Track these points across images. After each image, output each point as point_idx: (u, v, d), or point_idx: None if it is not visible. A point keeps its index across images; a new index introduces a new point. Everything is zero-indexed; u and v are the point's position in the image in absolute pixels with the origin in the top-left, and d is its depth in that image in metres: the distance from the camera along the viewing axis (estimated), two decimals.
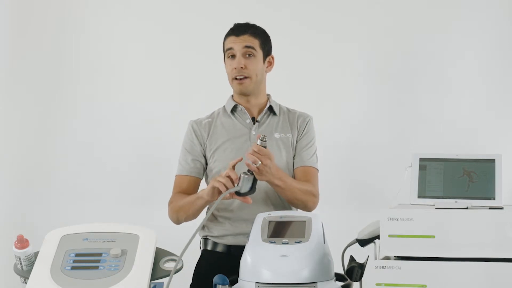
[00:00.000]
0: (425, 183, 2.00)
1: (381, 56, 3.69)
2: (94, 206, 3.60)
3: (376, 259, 1.93)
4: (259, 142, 2.14)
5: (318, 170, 2.49)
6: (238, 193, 2.14)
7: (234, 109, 2.52)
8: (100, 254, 1.83)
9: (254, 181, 2.16)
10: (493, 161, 1.98)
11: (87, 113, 3.74)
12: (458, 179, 1.99)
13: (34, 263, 1.83)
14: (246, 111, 2.51)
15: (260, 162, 2.13)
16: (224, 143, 2.46)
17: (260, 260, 1.82)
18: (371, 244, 2.09)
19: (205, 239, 2.48)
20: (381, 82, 3.70)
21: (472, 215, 1.83)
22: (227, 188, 2.11)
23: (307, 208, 2.38)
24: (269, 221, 1.95)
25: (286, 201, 2.41)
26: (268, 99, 2.55)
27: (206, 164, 2.50)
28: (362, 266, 2.03)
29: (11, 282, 2.39)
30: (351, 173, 3.67)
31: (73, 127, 3.74)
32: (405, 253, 1.85)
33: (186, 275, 2.31)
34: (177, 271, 1.83)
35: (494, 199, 1.94)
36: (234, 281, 1.88)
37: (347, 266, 2.06)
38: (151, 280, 1.81)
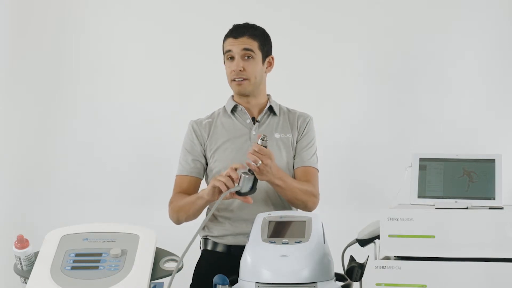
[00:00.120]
0: (425, 183, 2.00)
1: (381, 56, 3.69)
2: (94, 206, 3.60)
3: (376, 259, 1.93)
4: (259, 141, 2.14)
5: (318, 170, 2.49)
6: (238, 193, 2.15)
7: (234, 109, 2.52)
8: (100, 254, 1.83)
9: (255, 181, 2.16)
10: (493, 161, 1.98)
11: (87, 113, 3.74)
12: (458, 179, 1.99)
13: (34, 263, 1.83)
14: (246, 111, 2.51)
15: (260, 162, 2.13)
16: (224, 143, 2.46)
17: (260, 260, 1.82)
18: (371, 244, 2.09)
19: (205, 239, 2.48)
20: (381, 82, 3.70)
21: (472, 215, 1.83)
22: (227, 188, 2.11)
23: (307, 208, 2.38)
24: (269, 221, 1.95)
25: (286, 201, 2.41)
26: (268, 99, 2.55)
27: (207, 164, 2.50)
28: (362, 266, 2.03)
29: (11, 282, 2.39)
30: (351, 173, 3.67)
31: (73, 127, 3.74)
32: (405, 253, 1.85)
33: (186, 275, 2.32)
34: (177, 271, 1.83)
35: (494, 199, 1.94)
36: (234, 281, 1.88)
37: (347, 266, 2.06)
38: (151, 280, 1.81)
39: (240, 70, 2.43)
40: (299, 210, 2.43)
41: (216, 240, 2.44)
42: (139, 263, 1.81)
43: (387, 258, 1.88)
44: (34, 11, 3.77)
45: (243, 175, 2.13)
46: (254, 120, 2.50)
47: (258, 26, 2.51)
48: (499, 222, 1.80)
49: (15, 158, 3.73)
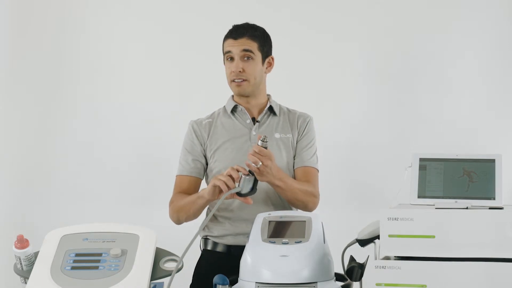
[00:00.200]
0: (425, 183, 2.00)
1: (381, 56, 3.69)
2: (94, 206, 3.60)
3: (376, 259, 1.93)
4: (260, 143, 2.14)
5: (318, 171, 2.49)
6: (239, 194, 2.15)
7: (234, 110, 2.52)
8: (100, 254, 1.83)
9: (255, 181, 2.16)
10: (493, 161, 1.98)
11: (87, 113, 3.75)
12: (458, 179, 1.99)
13: (34, 263, 1.83)
14: (246, 112, 2.51)
15: (261, 163, 2.13)
16: (224, 143, 2.46)
17: (260, 260, 1.82)
18: (371, 244, 2.09)
19: (205, 239, 2.48)
20: (381, 82, 3.70)
21: (472, 215, 1.83)
22: (228, 187, 2.12)
23: (308, 208, 2.38)
24: (269, 221, 1.95)
25: (286, 201, 2.41)
26: (268, 99, 2.55)
27: (207, 164, 2.50)
28: (362, 266, 2.03)
29: (11, 282, 2.39)
30: (351, 173, 3.67)
31: (73, 127, 3.74)
32: (405, 253, 1.85)
33: (186, 275, 2.32)
34: (177, 271, 1.83)
35: (494, 199, 1.94)
36: (234, 281, 1.88)
37: (347, 266, 2.06)
38: (151, 280, 1.81)
39: (240, 71, 2.43)
40: (299, 210, 2.42)
41: (216, 240, 2.44)
42: (139, 263, 1.81)
43: (387, 258, 1.88)
44: (34, 11, 3.77)
45: (243, 176, 2.13)
46: (254, 120, 2.50)
47: (258, 26, 2.51)
48: (499, 222, 1.80)
49: (15, 158, 3.73)
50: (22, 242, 1.83)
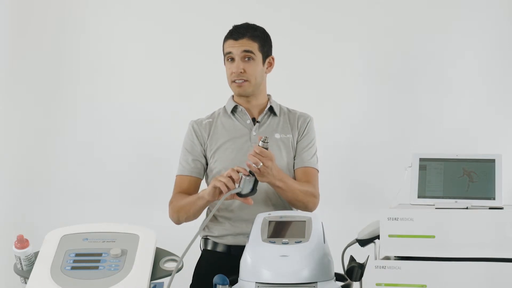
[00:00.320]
0: (425, 183, 2.00)
1: (381, 56, 3.69)
2: (94, 206, 3.60)
3: (376, 259, 1.93)
4: (260, 143, 2.15)
5: (318, 171, 2.49)
6: (239, 194, 2.15)
7: (234, 110, 2.52)
8: (100, 254, 1.83)
9: (255, 182, 2.16)
10: (493, 161, 1.98)
11: (87, 113, 3.74)
12: (458, 179, 1.99)
13: (34, 263, 1.83)
14: (246, 112, 2.51)
15: (261, 164, 2.13)
16: (224, 143, 2.46)
17: (260, 260, 1.82)
18: (371, 244, 2.09)
19: (205, 239, 2.48)
20: (381, 82, 3.70)
21: (472, 215, 1.83)
22: (228, 188, 2.12)
23: (308, 209, 2.38)
24: (269, 221, 1.95)
25: (286, 202, 2.41)
26: (268, 99, 2.55)
27: (207, 164, 2.50)
28: (362, 266, 2.03)
29: (11, 282, 2.39)
30: (351, 173, 3.67)
31: (73, 127, 3.74)
32: (405, 253, 1.85)
33: (186, 275, 2.32)
34: (177, 271, 1.83)
35: (494, 199, 1.94)
36: (234, 281, 1.88)
37: (347, 266, 2.06)
38: (151, 280, 1.81)
39: (241, 72, 2.43)
40: (299, 210, 2.42)
41: (216, 240, 2.44)
42: (139, 263, 1.81)
43: (387, 258, 1.88)
44: (34, 11, 3.76)
45: (243, 176, 2.13)
46: (254, 120, 2.50)
47: (258, 27, 2.50)
48: (499, 222, 1.80)
49: (15, 158, 3.73)
50: (22, 242, 1.83)
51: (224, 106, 2.55)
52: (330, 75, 3.68)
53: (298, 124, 2.51)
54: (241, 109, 2.51)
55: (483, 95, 3.63)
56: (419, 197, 1.99)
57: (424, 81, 3.66)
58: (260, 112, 2.52)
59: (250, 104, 2.52)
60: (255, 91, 2.48)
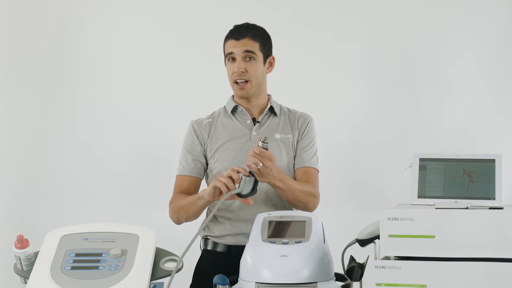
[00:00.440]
0: (425, 183, 2.00)
1: (381, 56, 3.69)
2: (94, 206, 3.60)
3: (376, 259, 1.93)
4: (260, 144, 2.14)
5: (318, 171, 2.49)
6: (239, 195, 2.15)
7: (234, 110, 2.52)
8: (100, 254, 1.83)
9: (255, 182, 2.16)
10: (493, 161, 1.98)
11: (87, 113, 3.74)
12: (458, 179, 1.99)
13: (34, 263, 1.83)
14: (246, 112, 2.51)
15: (261, 164, 2.13)
16: (224, 144, 2.46)
17: (260, 260, 1.82)
18: (371, 244, 2.09)
19: (205, 239, 2.48)
20: (381, 82, 3.70)
21: (472, 215, 1.83)
22: (228, 189, 2.11)
23: (308, 209, 2.38)
24: (269, 221, 1.95)
25: (286, 202, 2.41)
26: (269, 99, 2.55)
27: (207, 164, 2.50)
28: (362, 266, 2.03)
29: (11, 282, 2.39)
30: (351, 173, 3.67)
31: (73, 127, 3.74)
32: (405, 253, 1.84)
33: (186, 275, 2.32)
34: (177, 271, 1.83)
35: (494, 199, 1.94)
36: (234, 281, 1.88)
37: (347, 266, 2.06)
38: (151, 280, 1.81)
39: (242, 72, 2.43)
40: (299, 210, 2.42)
41: (216, 240, 2.44)
42: (139, 263, 1.81)
43: (387, 258, 1.88)
44: (34, 11, 3.76)
45: (243, 177, 2.13)
46: (254, 120, 2.50)
47: (259, 26, 2.51)
48: (499, 222, 1.80)
49: (15, 158, 3.73)
50: (22, 242, 1.83)
51: (224, 106, 2.55)
52: (330, 75, 3.68)
53: (298, 124, 2.51)
54: (241, 109, 2.51)
55: (483, 95, 3.63)
56: (419, 197, 1.99)
57: (424, 81, 3.66)
58: (261, 112, 2.52)
59: (251, 104, 2.52)
60: (256, 91, 2.48)
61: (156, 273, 1.84)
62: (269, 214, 2.00)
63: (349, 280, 2.02)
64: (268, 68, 2.52)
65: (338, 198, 3.56)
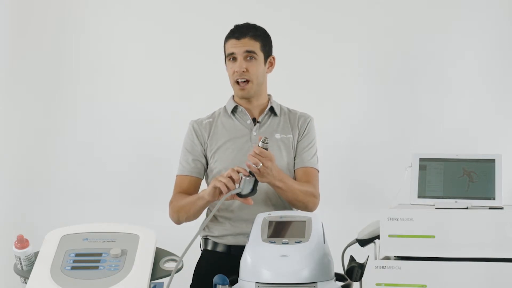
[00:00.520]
0: (425, 183, 2.00)
1: (381, 56, 3.69)
2: (94, 206, 3.60)
3: (376, 259, 1.93)
4: (260, 144, 2.14)
5: (318, 171, 2.49)
6: (239, 195, 2.15)
7: (234, 110, 2.52)
8: (100, 254, 1.83)
9: (255, 182, 2.16)
10: (493, 161, 1.98)
11: (87, 113, 3.74)
12: (458, 179, 1.99)
13: (34, 263, 1.83)
14: (246, 112, 2.51)
15: (261, 164, 2.13)
16: (225, 144, 2.46)
17: (260, 260, 1.82)
18: (371, 244, 2.09)
19: (205, 239, 2.48)
20: (381, 82, 3.70)
21: (472, 215, 1.83)
22: (228, 189, 2.11)
23: (308, 209, 2.38)
24: (269, 221, 1.95)
25: (286, 202, 2.41)
26: (269, 99, 2.55)
27: (207, 164, 2.50)
28: (362, 266, 2.03)
29: (11, 282, 2.39)
30: (351, 173, 3.67)
31: (73, 127, 3.74)
32: (405, 253, 1.84)
33: (186, 275, 2.32)
34: (177, 271, 1.83)
35: (494, 199, 1.94)
36: (234, 281, 1.88)
37: (347, 266, 2.06)
38: (151, 280, 1.81)
39: (243, 71, 2.43)
40: (299, 210, 2.42)
41: (216, 240, 2.44)
42: (139, 263, 1.81)
43: (387, 258, 1.88)
44: (34, 11, 3.76)
45: (243, 177, 2.13)
46: (254, 120, 2.50)
47: (259, 26, 2.51)
48: (499, 222, 1.80)
49: (15, 158, 3.73)
50: (22, 242, 1.83)
51: (225, 106, 2.55)
52: (330, 75, 3.68)
53: (299, 124, 2.51)
54: (242, 109, 2.51)
55: (483, 95, 3.63)
56: (419, 197, 1.99)
57: (424, 81, 3.66)
58: (261, 112, 2.52)
59: (251, 104, 2.52)
60: (257, 91, 2.49)
61: (156, 273, 1.84)
62: (269, 214, 2.00)
63: (349, 280, 2.02)
64: (268, 68, 2.52)
65: (338, 198, 3.56)
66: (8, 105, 3.75)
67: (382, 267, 1.83)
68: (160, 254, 1.89)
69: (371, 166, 3.63)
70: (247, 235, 1.94)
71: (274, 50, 2.55)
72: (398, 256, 1.86)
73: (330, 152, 3.34)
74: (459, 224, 1.82)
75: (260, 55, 2.46)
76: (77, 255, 1.83)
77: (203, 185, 2.48)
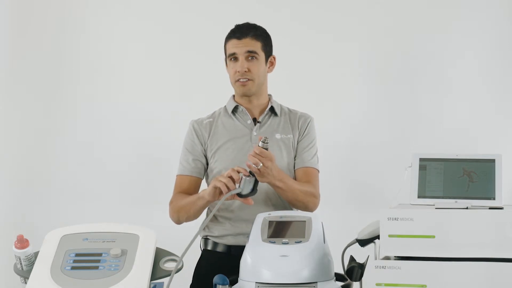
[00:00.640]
0: (425, 183, 2.00)
1: (381, 56, 3.69)
2: (94, 206, 3.60)
3: (376, 259, 1.93)
4: (260, 144, 2.14)
5: (318, 171, 2.49)
6: (239, 195, 2.15)
7: (235, 110, 2.52)
8: (100, 254, 1.83)
9: (256, 182, 2.16)
10: (493, 161, 1.98)
11: (87, 113, 3.74)
12: (458, 179, 1.99)
13: (34, 263, 1.83)
14: (247, 112, 2.51)
15: (261, 164, 2.13)
16: (225, 143, 2.46)
17: (260, 260, 1.82)
18: (371, 244, 2.09)
19: (205, 239, 2.48)
20: (381, 82, 3.70)
21: (472, 215, 1.83)
22: (228, 189, 2.11)
23: (308, 209, 2.38)
24: (269, 221, 1.95)
25: (286, 202, 2.41)
26: (269, 99, 2.55)
27: (207, 164, 2.50)
28: (362, 266, 2.03)
29: (11, 282, 2.39)
30: (351, 173, 3.67)
31: (73, 127, 3.74)
32: (405, 253, 1.85)
33: (186, 275, 2.32)
34: (177, 271, 1.83)
35: (494, 199, 1.94)
36: (234, 281, 1.88)
37: (347, 266, 2.06)
38: (151, 280, 1.81)
39: (245, 71, 2.43)
40: (299, 210, 2.42)
41: (216, 240, 2.44)
42: (139, 263, 1.81)
43: (387, 258, 1.88)
44: (34, 11, 3.76)
45: (244, 177, 2.13)
46: (255, 120, 2.50)
47: (260, 26, 2.51)
48: (499, 222, 1.80)
49: (15, 158, 3.73)
50: (22, 242, 1.83)
51: (225, 106, 2.55)
52: (330, 75, 3.68)
53: (299, 124, 2.51)
54: (242, 109, 2.51)
55: (483, 95, 3.62)
56: (419, 197, 1.99)
57: (424, 81, 3.66)
58: (261, 112, 2.52)
59: (251, 104, 2.52)
60: (258, 90, 2.49)
61: (156, 273, 1.84)
62: (269, 214, 2.00)
63: (349, 280, 2.02)
64: (269, 67, 2.52)
65: (338, 198, 3.56)
66: (8, 105, 3.75)
67: (382, 267, 1.83)
68: (160, 254, 1.89)
69: (371, 166, 3.63)
70: (247, 235, 1.94)
71: (274, 50, 2.55)
72: (398, 256, 1.86)
73: (330, 152, 3.34)
74: (459, 224, 1.82)
75: (261, 55, 2.46)
76: (77, 255, 1.83)
77: (203, 185, 2.48)
